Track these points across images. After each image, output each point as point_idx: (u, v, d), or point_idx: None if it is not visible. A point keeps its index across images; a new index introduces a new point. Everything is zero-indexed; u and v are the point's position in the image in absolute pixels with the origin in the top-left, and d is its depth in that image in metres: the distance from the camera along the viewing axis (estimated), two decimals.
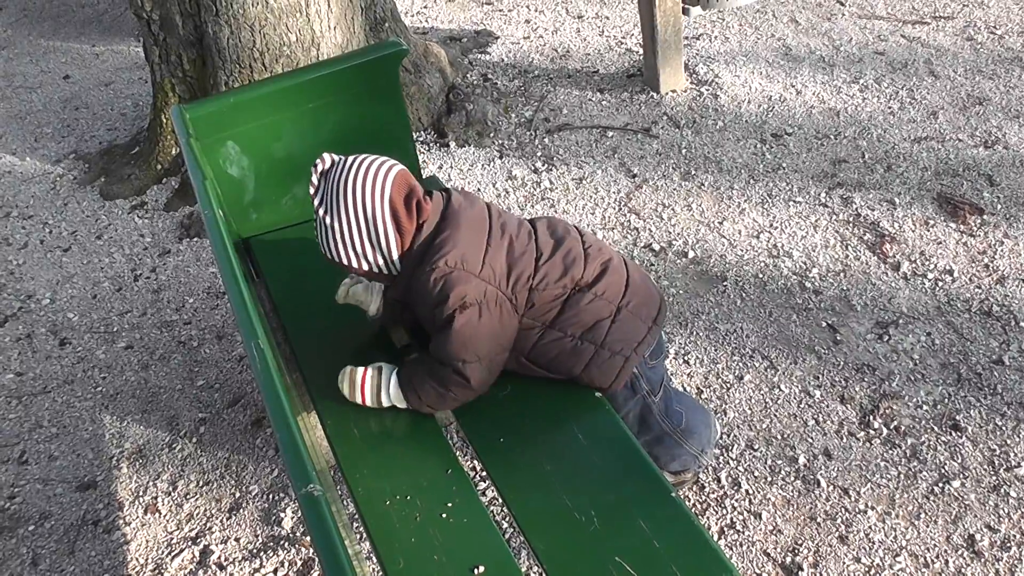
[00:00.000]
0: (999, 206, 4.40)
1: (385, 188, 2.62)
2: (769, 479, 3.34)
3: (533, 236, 2.77)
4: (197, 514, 3.55)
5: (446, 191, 2.79)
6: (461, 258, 2.61)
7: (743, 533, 3.18)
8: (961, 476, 3.26)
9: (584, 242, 2.80)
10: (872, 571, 3.02)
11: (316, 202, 2.68)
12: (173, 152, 5.52)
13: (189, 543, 3.44)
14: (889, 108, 5.24)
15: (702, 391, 3.71)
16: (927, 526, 3.13)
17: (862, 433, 3.46)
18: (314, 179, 2.70)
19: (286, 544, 3.36)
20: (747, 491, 3.31)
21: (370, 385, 2.74)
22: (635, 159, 5.12)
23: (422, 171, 4.16)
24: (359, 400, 2.75)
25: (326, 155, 2.72)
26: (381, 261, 2.69)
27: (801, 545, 3.12)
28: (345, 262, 2.71)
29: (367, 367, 2.76)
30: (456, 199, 2.75)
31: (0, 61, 7.44)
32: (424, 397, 2.67)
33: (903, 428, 3.45)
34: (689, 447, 3.07)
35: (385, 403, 2.73)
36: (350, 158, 2.69)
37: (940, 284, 4.03)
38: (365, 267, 2.72)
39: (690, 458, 3.11)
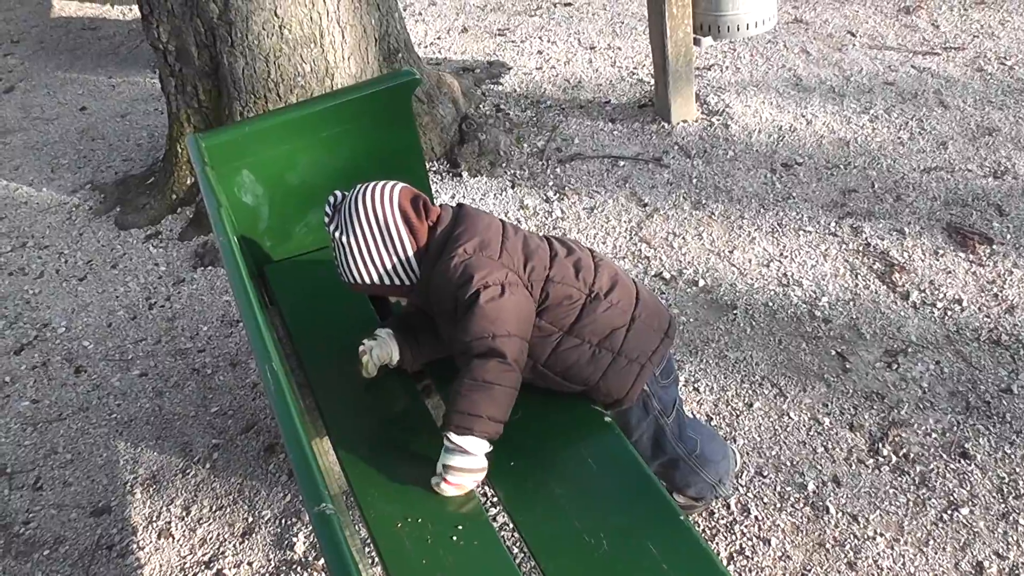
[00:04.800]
0: (1008, 236, 4.41)
1: (393, 195, 2.74)
2: (778, 505, 3.36)
3: (546, 240, 2.85)
4: (210, 539, 3.57)
5: (459, 204, 2.86)
6: (479, 244, 2.68)
7: (752, 559, 3.20)
8: (970, 503, 3.28)
9: (593, 256, 2.86)
10: None
11: (331, 228, 2.78)
12: (188, 182, 5.56)
13: (202, 567, 3.47)
14: (899, 138, 5.27)
15: (712, 418, 3.72)
16: (936, 553, 3.14)
17: (871, 460, 3.47)
18: (328, 210, 2.79)
19: (299, 568, 3.39)
20: (756, 517, 3.33)
21: (458, 479, 2.57)
22: (646, 188, 5.15)
23: (435, 200, 4.19)
24: (472, 484, 2.59)
25: (337, 192, 2.84)
26: (399, 265, 2.74)
27: (810, 571, 3.13)
28: (366, 279, 2.77)
29: (446, 477, 2.58)
30: (468, 206, 2.84)
31: (17, 93, 7.50)
32: (479, 408, 2.52)
33: (912, 455, 3.46)
34: (705, 475, 3.10)
35: (477, 464, 2.56)
36: (358, 185, 2.80)
37: (949, 313, 4.04)
38: (387, 280, 2.78)
39: (706, 487, 3.14)
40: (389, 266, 2.75)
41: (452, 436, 2.53)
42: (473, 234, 2.70)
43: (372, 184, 2.78)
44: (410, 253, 2.74)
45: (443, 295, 2.69)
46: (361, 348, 2.94)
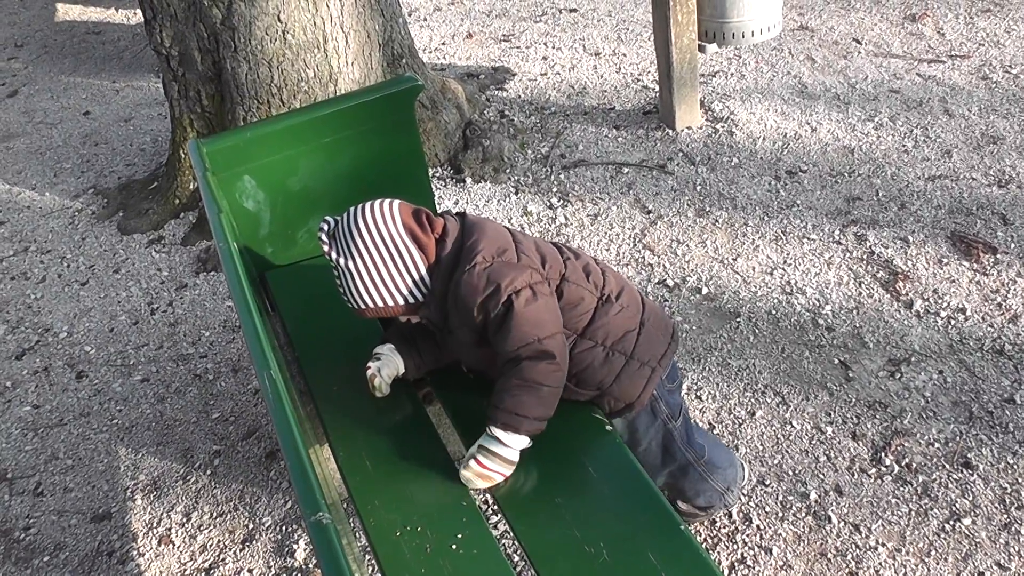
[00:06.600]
0: (1013, 245, 4.40)
1: (394, 212, 2.69)
2: (780, 515, 3.35)
3: (553, 245, 2.84)
4: (211, 545, 3.56)
5: (459, 213, 2.84)
6: (497, 250, 2.66)
7: (753, 569, 3.18)
8: (972, 514, 3.26)
9: (597, 262, 2.86)
10: None
11: (333, 255, 2.71)
12: (191, 187, 5.56)
13: (203, 574, 3.46)
14: (903, 146, 5.26)
15: (714, 427, 3.71)
16: (937, 563, 3.12)
17: (873, 470, 3.46)
18: (324, 237, 2.73)
19: (299, 575, 3.38)
20: (758, 526, 3.32)
21: (491, 465, 2.59)
22: (650, 195, 5.14)
23: (438, 206, 4.19)
24: (500, 476, 2.60)
25: (328, 217, 2.77)
26: (410, 282, 2.69)
27: None
28: (379, 303, 2.72)
29: (478, 458, 2.59)
30: (471, 214, 2.82)
31: (21, 97, 7.51)
32: (527, 409, 2.55)
33: (914, 465, 3.45)
34: (715, 482, 3.10)
35: (512, 456, 2.59)
36: (350, 208, 2.75)
37: (953, 322, 4.03)
38: (398, 300, 2.72)
39: (716, 494, 3.14)
40: (404, 288, 2.70)
41: (497, 432, 2.56)
42: (487, 241, 2.68)
43: (368, 204, 2.72)
44: (423, 271, 2.69)
45: (467, 306, 2.64)
46: (369, 372, 2.89)
